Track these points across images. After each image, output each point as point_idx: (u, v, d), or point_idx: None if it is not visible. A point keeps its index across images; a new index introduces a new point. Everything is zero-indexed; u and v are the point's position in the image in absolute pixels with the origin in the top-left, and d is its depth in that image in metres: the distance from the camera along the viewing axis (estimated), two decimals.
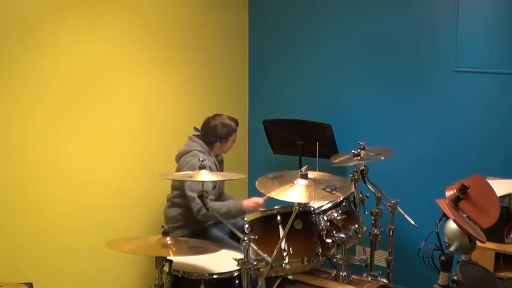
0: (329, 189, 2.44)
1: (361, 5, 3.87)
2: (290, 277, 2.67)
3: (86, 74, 3.24)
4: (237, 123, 3.52)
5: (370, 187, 3.16)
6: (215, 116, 3.47)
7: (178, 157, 3.37)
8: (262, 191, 2.51)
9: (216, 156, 3.51)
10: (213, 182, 3.30)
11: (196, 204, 3.12)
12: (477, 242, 2.36)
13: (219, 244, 2.91)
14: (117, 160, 3.48)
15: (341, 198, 2.75)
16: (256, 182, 2.57)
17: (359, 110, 3.94)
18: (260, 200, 3.28)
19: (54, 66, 3.07)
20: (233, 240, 3.19)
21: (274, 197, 2.43)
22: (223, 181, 3.55)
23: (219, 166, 3.53)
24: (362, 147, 3.15)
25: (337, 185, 2.51)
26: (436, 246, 2.44)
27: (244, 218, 2.71)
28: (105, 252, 2.66)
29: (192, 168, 3.13)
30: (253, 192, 3.43)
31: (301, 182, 2.47)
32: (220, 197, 3.54)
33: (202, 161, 2.75)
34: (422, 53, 3.63)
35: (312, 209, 2.66)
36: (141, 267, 3.62)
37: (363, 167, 3.12)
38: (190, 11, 3.94)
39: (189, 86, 3.98)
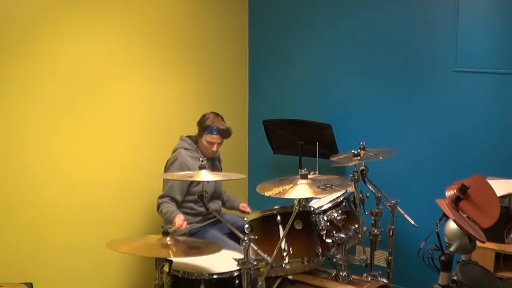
0: (323, 187, 2.46)
1: (361, 5, 3.86)
2: (290, 277, 2.67)
3: (84, 73, 3.24)
4: (218, 129, 3.37)
5: (370, 187, 3.16)
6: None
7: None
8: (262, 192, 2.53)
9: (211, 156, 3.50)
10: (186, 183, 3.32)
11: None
12: (477, 242, 2.36)
13: (218, 244, 2.90)
14: (117, 160, 3.48)
15: (341, 199, 2.75)
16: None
17: (359, 110, 3.94)
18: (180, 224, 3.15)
19: (53, 66, 3.08)
20: (233, 240, 3.19)
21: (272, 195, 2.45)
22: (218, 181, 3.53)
23: (212, 164, 3.51)
24: (362, 147, 3.15)
25: (335, 183, 2.53)
26: (436, 246, 2.44)
27: (244, 218, 2.71)
28: (105, 253, 2.65)
29: (168, 166, 3.37)
30: (253, 192, 3.42)
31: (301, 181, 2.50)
32: (215, 196, 3.53)
33: (202, 161, 2.76)
34: (423, 53, 3.63)
35: (312, 209, 2.66)
36: (141, 267, 3.62)
37: (363, 167, 3.13)
38: (191, 11, 3.94)
39: (189, 86, 3.98)
